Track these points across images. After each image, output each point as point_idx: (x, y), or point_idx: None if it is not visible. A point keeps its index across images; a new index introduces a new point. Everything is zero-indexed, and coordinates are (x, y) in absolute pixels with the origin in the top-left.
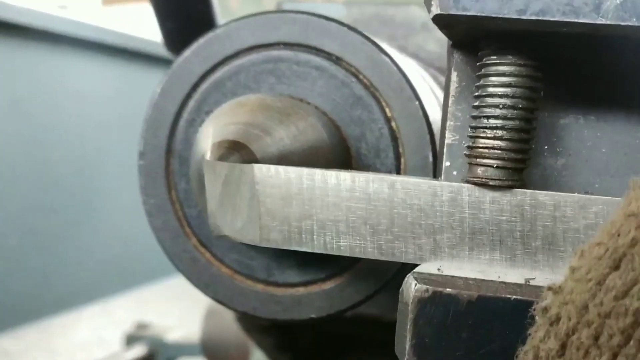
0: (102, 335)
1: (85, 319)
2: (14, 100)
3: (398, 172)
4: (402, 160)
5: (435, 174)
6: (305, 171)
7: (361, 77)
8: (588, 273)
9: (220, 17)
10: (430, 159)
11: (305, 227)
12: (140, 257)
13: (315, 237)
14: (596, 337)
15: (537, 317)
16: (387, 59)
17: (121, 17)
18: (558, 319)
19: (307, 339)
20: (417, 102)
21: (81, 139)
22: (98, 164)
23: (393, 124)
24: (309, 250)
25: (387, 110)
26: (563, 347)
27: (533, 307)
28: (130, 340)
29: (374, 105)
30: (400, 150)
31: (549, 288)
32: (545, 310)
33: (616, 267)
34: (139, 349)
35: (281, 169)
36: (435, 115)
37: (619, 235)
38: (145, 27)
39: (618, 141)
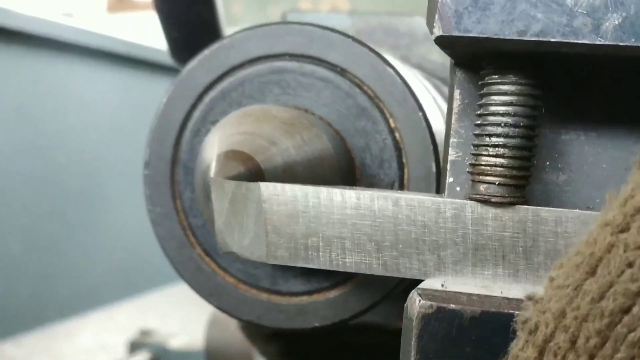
0: (106, 342)
1: (89, 325)
2: (19, 107)
3: (401, 182)
4: (406, 170)
5: (439, 188)
6: (311, 189)
7: (365, 88)
8: (565, 280)
9: (224, 24)
10: (434, 169)
11: (311, 244)
12: (143, 263)
13: (321, 253)
14: (573, 341)
15: (517, 329)
16: (390, 70)
17: (126, 25)
18: (536, 327)
19: (311, 347)
20: (420, 113)
21: (85, 146)
22: (102, 171)
23: (397, 135)
24: (315, 267)
25: (390, 120)
26: (541, 353)
27: (514, 320)
28: (134, 347)
29: (378, 116)
30: (404, 160)
31: (529, 298)
32: (525, 321)
33: (592, 273)
34: (142, 356)
35: (287, 187)
36: (438, 125)
37: (595, 242)
38: (150, 35)
39: (618, 157)
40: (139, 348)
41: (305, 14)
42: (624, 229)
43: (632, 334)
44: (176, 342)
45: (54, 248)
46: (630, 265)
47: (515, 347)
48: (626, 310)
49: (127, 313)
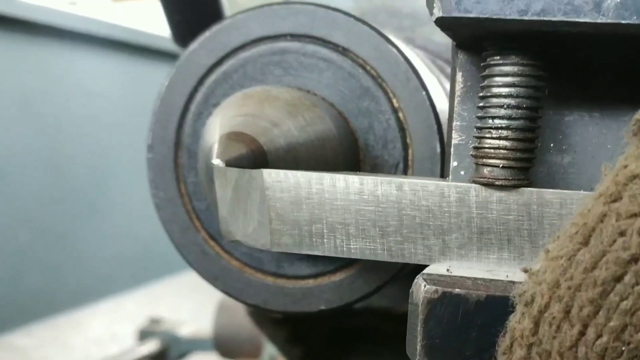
0: (116, 331)
1: (99, 314)
2: (24, 96)
3: (406, 162)
4: (410, 151)
5: (444, 171)
6: (314, 175)
7: (368, 68)
8: (560, 251)
9: (228, 9)
10: (438, 149)
11: (315, 230)
12: (152, 252)
13: (325, 240)
14: (567, 311)
15: (515, 303)
16: (394, 49)
17: (131, 13)
18: (532, 299)
19: (318, 332)
20: (424, 93)
21: (91, 134)
22: (108, 160)
23: (400, 115)
24: (320, 253)
25: (394, 101)
26: (536, 324)
27: (512, 294)
28: (143, 335)
29: (381, 96)
30: (408, 141)
31: (525, 271)
32: (522, 294)
33: (585, 243)
34: (152, 344)
35: (290, 173)
36: (442, 105)
37: (588, 213)
38: (154, 23)
39: (623, 137)
40: (149, 336)
41: None
42: (616, 199)
43: (625, 302)
44: (186, 329)
45: (62, 238)
46: (622, 234)
47: (512, 320)
48: (618, 279)
49: (137, 302)
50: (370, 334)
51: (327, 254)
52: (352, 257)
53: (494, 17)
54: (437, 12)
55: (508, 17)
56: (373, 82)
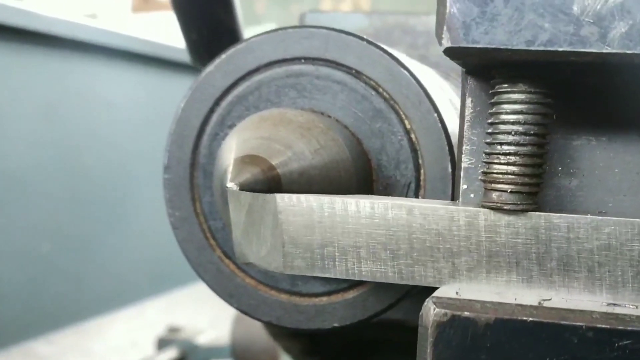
0: (136, 338)
1: (119, 322)
2: (47, 108)
3: (418, 183)
4: (422, 171)
5: (454, 195)
6: (326, 199)
7: (381, 90)
8: None
9: (246, 21)
10: (450, 169)
11: (327, 253)
12: (172, 260)
13: (337, 263)
14: None
15: None
16: (405, 72)
17: (150, 24)
18: None
19: (333, 344)
20: (435, 114)
21: (112, 145)
22: (129, 170)
23: (412, 136)
24: (332, 276)
25: (406, 122)
26: None
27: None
28: (162, 343)
29: (394, 118)
30: (420, 161)
31: None
32: None
33: None
34: (171, 352)
35: (303, 197)
36: (454, 126)
37: None
38: (174, 34)
39: (630, 161)
40: (168, 344)
41: (323, 14)
42: None
43: None
44: (204, 338)
45: (83, 246)
46: None
47: None
48: None
49: (157, 309)
50: (384, 345)
51: (338, 276)
52: (364, 279)
53: (502, 47)
54: (446, 43)
55: (515, 48)
56: (385, 104)
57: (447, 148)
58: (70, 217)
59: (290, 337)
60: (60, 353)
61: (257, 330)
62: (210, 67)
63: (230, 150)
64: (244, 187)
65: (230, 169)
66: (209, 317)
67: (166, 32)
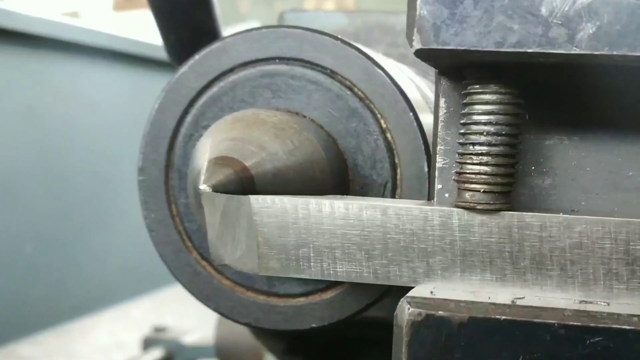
0: (121, 339)
1: (104, 323)
2: (28, 108)
3: (394, 182)
4: (398, 170)
5: (430, 191)
6: (300, 200)
7: (356, 90)
8: None
9: (230, 20)
10: (426, 169)
11: (302, 254)
12: (156, 260)
13: (312, 264)
14: None
15: None
16: (381, 71)
17: (133, 22)
18: None
19: (317, 343)
20: (411, 114)
21: (94, 145)
22: (112, 170)
23: (388, 135)
24: (307, 277)
25: (382, 121)
26: None
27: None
28: (148, 343)
29: (369, 117)
30: (396, 161)
31: None
32: None
33: None
34: (157, 352)
35: (277, 199)
36: (430, 125)
37: None
38: (156, 33)
39: (602, 160)
40: (153, 345)
41: (302, 14)
42: None
43: None
44: (191, 338)
45: (66, 247)
46: None
47: None
48: None
49: (142, 310)
50: (368, 343)
51: (314, 277)
52: (339, 280)
53: (472, 48)
54: (417, 44)
55: (485, 49)
56: (361, 104)
57: (423, 147)
58: (53, 217)
59: (273, 337)
60: (44, 354)
61: (241, 330)
62: (184, 68)
63: (204, 151)
64: (217, 189)
65: (203, 170)
66: (195, 316)
67: (149, 30)
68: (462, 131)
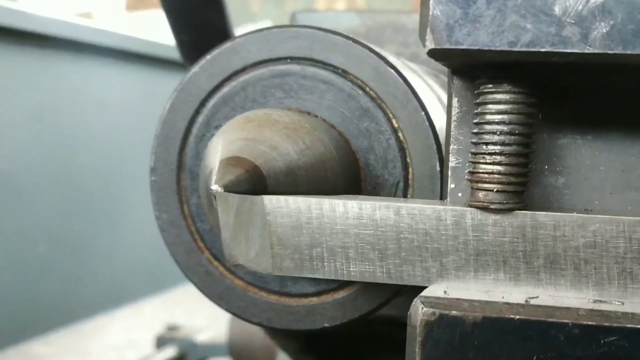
0: (133, 337)
1: (117, 321)
2: (40, 108)
3: (406, 181)
4: (410, 170)
5: (443, 194)
6: (313, 201)
7: (367, 89)
8: None
9: (241, 20)
10: (438, 168)
11: (315, 254)
12: (168, 259)
13: (326, 264)
14: None
15: None
16: (392, 71)
17: (146, 22)
18: None
19: (329, 341)
20: (423, 113)
21: (107, 145)
22: (124, 169)
23: (400, 135)
24: (321, 276)
25: (393, 121)
26: None
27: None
28: (161, 342)
29: (381, 117)
30: (408, 160)
31: None
32: None
33: None
34: (170, 351)
35: (291, 199)
36: (442, 124)
37: None
38: (169, 33)
39: (615, 159)
40: (166, 343)
41: (314, 14)
42: None
43: None
44: (203, 336)
45: (79, 246)
46: None
47: None
48: None
49: (155, 309)
50: (380, 341)
51: (327, 277)
52: (352, 279)
53: (485, 48)
54: (430, 44)
55: (498, 49)
56: (372, 103)
57: (435, 147)
58: (66, 217)
59: (285, 336)
60: (58, 353)
61: (254, 329)
62: (195, 68)
63: (216, 152)
64: (229, 189)
65: (215, 170)
66: (207, 315)
67: (161, 30)
68: (475, 131)
